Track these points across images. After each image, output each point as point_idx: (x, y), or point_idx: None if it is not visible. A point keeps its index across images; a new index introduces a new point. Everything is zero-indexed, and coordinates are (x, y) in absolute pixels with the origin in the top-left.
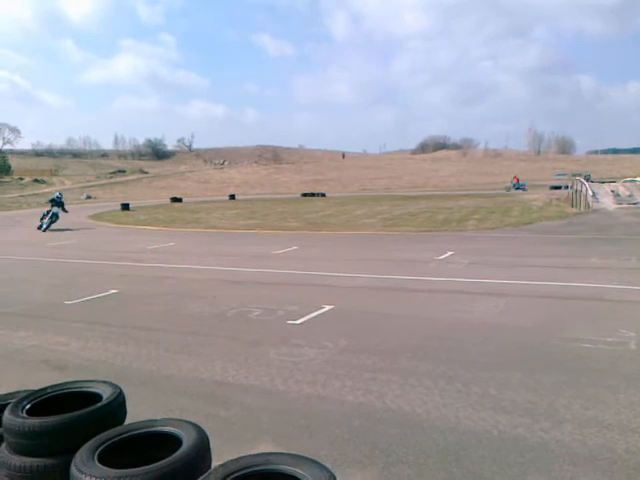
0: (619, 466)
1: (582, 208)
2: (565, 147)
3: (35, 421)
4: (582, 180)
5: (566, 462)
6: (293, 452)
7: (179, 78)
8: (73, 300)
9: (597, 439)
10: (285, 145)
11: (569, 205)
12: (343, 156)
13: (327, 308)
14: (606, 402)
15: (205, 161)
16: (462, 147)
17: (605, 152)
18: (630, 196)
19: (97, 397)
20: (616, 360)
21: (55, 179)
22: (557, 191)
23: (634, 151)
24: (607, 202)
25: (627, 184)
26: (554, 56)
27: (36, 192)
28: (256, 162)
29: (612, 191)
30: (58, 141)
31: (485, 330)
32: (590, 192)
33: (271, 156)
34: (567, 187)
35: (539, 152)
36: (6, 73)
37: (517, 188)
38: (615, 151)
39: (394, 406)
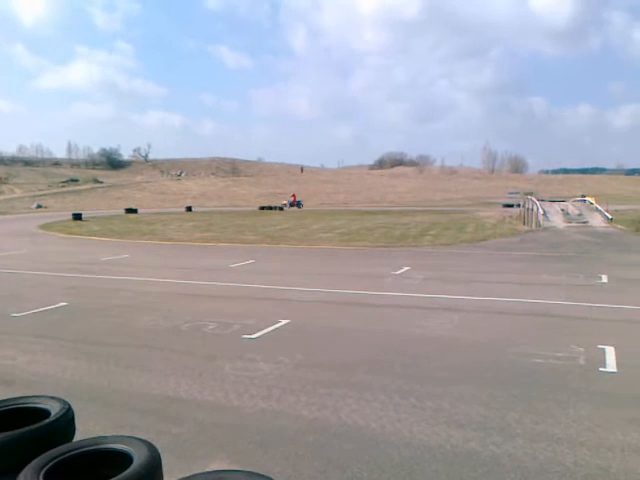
0: (568, 479)
1: (533, 226)
2: (518, 166)
3: None
4: (533, 199)
5: (517, 476)
6: (247, 469)
7: (136, 87)
8: (21, 313)
9: (547, 453)
10: (243, 158)
11: (521, 223)
12: (302, 170)
13: (283, 322)
14: (556, 416)
15: (162, 172)
16: (419, 164)
17: (556, 172)
18: (579, 215)
19: (45, 413)
20: (566, 375)
21: (5, 187)
22: (510, 209)
23: (584, 171)
24: (557, 220)
25: (577, 203)
26: (508, 77)
27: None
28: (214, 174)
29: (562, 210)
30: (9, 148)
31: (440, 345)
32: (541, 211)
33: (229, 168)
34: (519, 205)
35: (493, 170)
36: None
37: (292, 206)
38: (565, 171)
39: (349, 421)
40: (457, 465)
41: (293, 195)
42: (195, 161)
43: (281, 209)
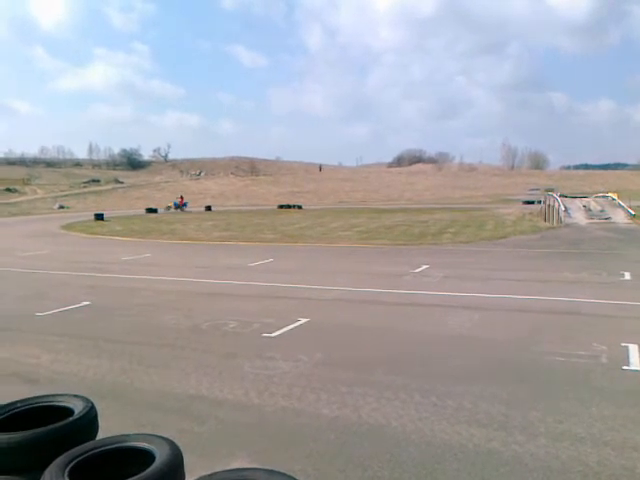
0: (592, 478)
1: (555, 223)
2: (538, 162)
3: (3, 437)
4: (555, 195)
5: (540, 475)
6: (268, 467)
7: (153, 88)
8: (44, 312)
9: (570, 452)
10: (262, 157)
11: (542, 220)
12: (320, 168)
13: (303, 321)
14: (578, 415)
15: (181, 172)
16: (437, 161)
17: (577, 168)
18: (602, 211)
19: (69, 411)
20: (588, 373)
21: (27, 188)
22: (530, 206)
23: (605, 167)
24: (579, 217)
25: (599, 199)
26: (527, 72)
27: (8, 201)
28: (233, 173)
29: (584, 206)
30: (31, 150)
31: (460, 343)
32: (562, 207)
33: (248, 168)
34: (540, 202)
35: (513, 167)
36: None
37: (177, 208)
38: (587, 167)
39: (370, 420)
40: (479, 464)
41: (181, 197)
42: (214, 161)
43: (169, 209)
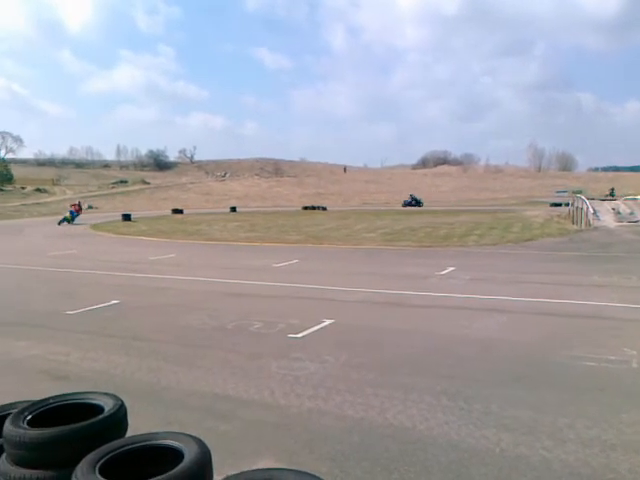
0: None
1: (583, 225)
2: (566, 164)
3: (36, 432)
4: (583, 197)
5: None
6: (294, 467)
7: (178, 89)
8: (74, 310)
9: (600, 459)
10: (286, 158)
11: (570, 222)
12: (345, 170)
13: (328, 322)
14: (609, 421)
15: (207, 173)
16: (463, 163)
17: (606, 170)
18: (631, 214)
19: (99, 409)
20: (619, 379)
21: (57, 189)
22: (558, 208)
23: (634, 169)
24: (608, 220)
25: (628, 201)
26: (554, 72)
27: (38, 201)
28: (257, 175)
29: (613, 209)
30: (60, 151)
31: (487, 346)
32: (591, 209)
33: (272, 169)
34: (567, 204)
35: (540, 168)
36: (4, 81)
37: (69, 220)
38: (616, 169)
39: (395, 422)
40: (506, 470)
41: (78, 204)
42: (239, 162)
43: (64, 222)
